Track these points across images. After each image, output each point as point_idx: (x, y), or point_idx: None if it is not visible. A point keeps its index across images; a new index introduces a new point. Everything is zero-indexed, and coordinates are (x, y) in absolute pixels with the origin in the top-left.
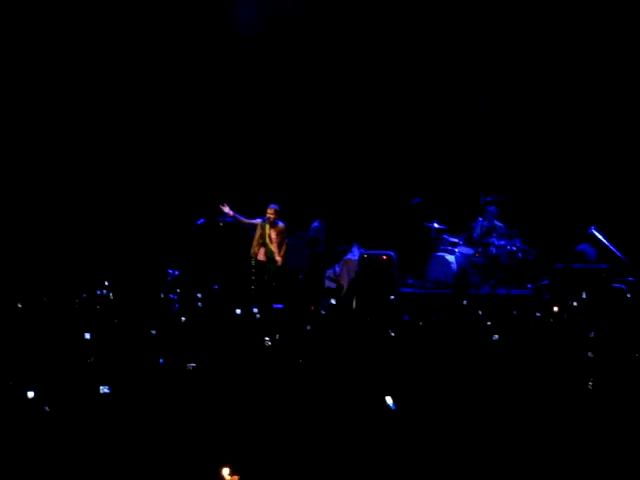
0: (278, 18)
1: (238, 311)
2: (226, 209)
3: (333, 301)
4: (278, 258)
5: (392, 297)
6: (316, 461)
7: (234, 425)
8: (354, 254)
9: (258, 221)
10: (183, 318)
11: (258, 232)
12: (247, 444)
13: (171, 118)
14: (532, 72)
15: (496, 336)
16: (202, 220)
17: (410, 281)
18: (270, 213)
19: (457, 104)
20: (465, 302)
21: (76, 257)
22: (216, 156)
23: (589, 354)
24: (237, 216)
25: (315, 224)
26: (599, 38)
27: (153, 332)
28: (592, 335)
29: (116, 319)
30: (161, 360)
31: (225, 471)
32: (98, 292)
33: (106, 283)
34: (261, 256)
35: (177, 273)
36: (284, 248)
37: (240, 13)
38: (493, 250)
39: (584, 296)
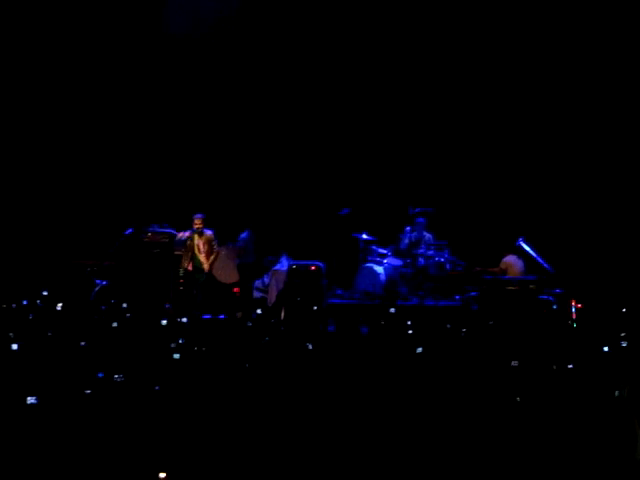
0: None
1: (164, 322)
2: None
3: (259, 311)
4: (206, 266)
5: (315, 308)
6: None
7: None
8: (283, 265)
9: (187, 234)
10: (114, 324)
11: (188, 243)
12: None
13: (99, 128)
14: (457, 82)
15: (420, 349)
16: (130, 230)
17: (339, 292)
18: (197, 223)
19: (386, 115)
20: (393, 311)
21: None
22: (145, 166)
23: (513, 363)
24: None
25: (244, 234)
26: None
27: (82, 343)
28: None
29: (43, 329)
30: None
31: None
32: (24, 302)
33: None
34: (189, 266)
35: (105, 283)
36: (214, 256)
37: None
38: (421, 261)
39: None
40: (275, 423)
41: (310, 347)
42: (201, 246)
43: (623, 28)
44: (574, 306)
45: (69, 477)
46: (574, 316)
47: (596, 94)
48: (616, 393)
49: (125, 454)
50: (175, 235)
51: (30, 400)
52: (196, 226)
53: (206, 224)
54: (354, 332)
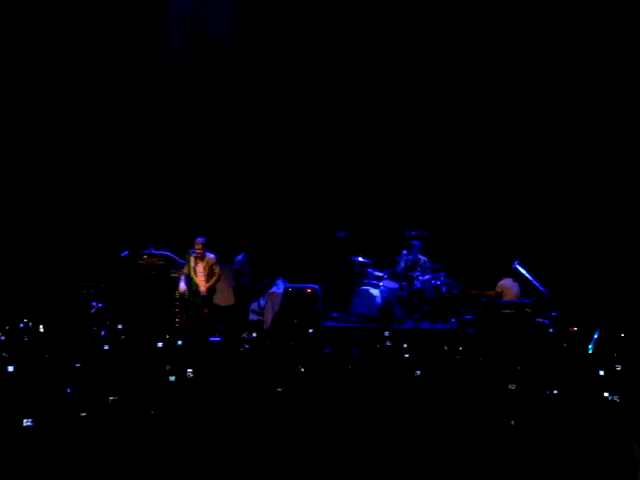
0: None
1: (160, 344)
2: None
3: (255, 334)
4: (202, 289)
5: (311, 330)
6: None
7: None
8: (279, 287)
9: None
10: (106, 347)
11: (186, 266)
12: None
13: (94, 148)
14: (452, 110)
15: (418, 372)
16: (126, 252)
17: (334, 314)
18: (198, 248)
19: (382, 138)
20: (387, 334)
21: None
22: (142, 188)
23: (510, 387)
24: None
25: (239, 257)
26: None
27: (77, 365)
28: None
29: (40, 352)
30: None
31: None
32: (21, 324)
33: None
34: (185, 289)
35: (101, 305)
36: (215, 278)
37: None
38: (417, 284)
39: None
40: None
41: (302, 370)
42: (199, 269)
43: (623, 27)
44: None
45: None
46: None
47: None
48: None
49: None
50: (171, 257)
51: (26, 422)
52: (197, 251)
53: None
54: (348, 354)
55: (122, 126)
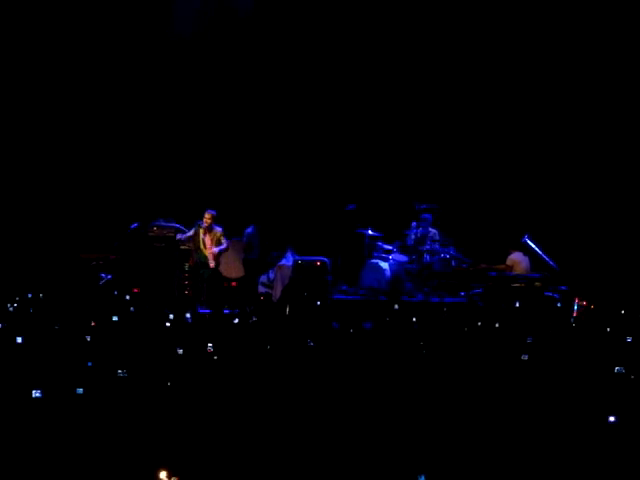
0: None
1: (171, 316)
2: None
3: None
4: (211, 263)
5: (319, 303)
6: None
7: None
8: (288, 260)
9: (189, 234)
10: (115, 318)
11: (194, 238)
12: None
13: (103, 122)
14: (463, 79)
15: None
16: (135, 224)
17: (344, 287)
18: (207, 218)
19: (392, 111)
20: (397, 307)
21: (8, 260)
22: (151, 160)
23: (523, 357)
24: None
25: (249, 230)
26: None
27: (87, 338)
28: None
29: (49, 323)
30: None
31: (162, 474)
32: (29, 295)
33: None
34: (194, 261)
35: (110, 277)
36: (223, 248)
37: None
38: (427, 258)
39: (517, 305)
40: (277, 420)
41: (312, 344)
42: (207, 242)
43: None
44: (577, 304)
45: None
46: (575, 314)
47: (602, 86)
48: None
49: (127, 450)
50: (181, 229)
51: (35, 394)
52: (206, 221)
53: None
54: (358, 328)
55: (132, 101)
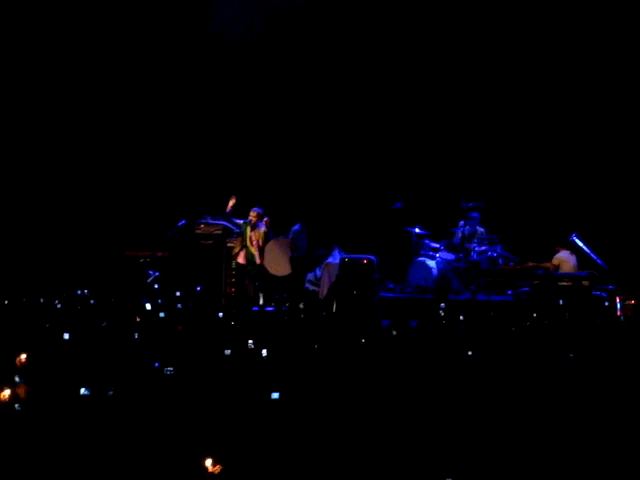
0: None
1: (220, 314)
2: (232, 202)
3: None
4: (258, 261)
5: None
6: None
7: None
8: (335, 258)
9: (241, 222)
10: (162, 314)
11: (239, 234)
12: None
13: (151, 120)
14: (513, 79)
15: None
16: (183, 222)
17: (391, 285)
18: (252, 216)
19: (440, 109)
20: (444, 306)
21: (56, 257)
22: (199, 158)
23: (570, 355)
24: (230, 214)
25: (296, 227)
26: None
27: (135, 335)
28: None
29: (97, 320)
30: (156, 364)
31: (208, 462)
32: (78, 292)
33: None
34: (241, 259)
35: (157, 274)
36: (263, 251)
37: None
38: (474, 256)
39: (561, 303)
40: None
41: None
42: (254, 239)
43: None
44: (620, 302)
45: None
46: (620, 313)
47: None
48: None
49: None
50: (229, 227)
51: (83, 391)
52: (251, 218)
53: (262, 218)
54: (405, 326)
55: (178, 96)
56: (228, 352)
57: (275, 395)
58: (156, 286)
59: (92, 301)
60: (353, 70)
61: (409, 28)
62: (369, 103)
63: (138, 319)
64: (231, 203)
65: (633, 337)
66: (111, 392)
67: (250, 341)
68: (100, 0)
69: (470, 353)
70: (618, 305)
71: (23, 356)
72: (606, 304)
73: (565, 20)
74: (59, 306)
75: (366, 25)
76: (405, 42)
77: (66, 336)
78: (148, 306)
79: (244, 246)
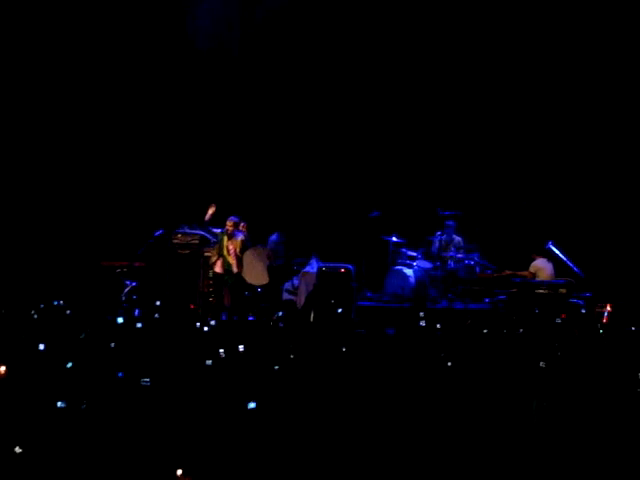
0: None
1: (197, 324)
2: (211, 210)
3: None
4: (235, 270)
5: (340, 310)
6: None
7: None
8: (312, 267)
9: (218, 232)
10: (139, 324)
11: (217, 243)
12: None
13: (128, 129)
14: (489, 89)
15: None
16: (160, 231)
17: (368, 294)
18: (229, 225)
19: (416, 118)
20: (422, 314)
21: (32, 268)
22: (176, 167)
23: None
24: (207, 223)
25: (273, 236)
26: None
27: (111, 345)
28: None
29: (73, 331)
30: (120, 374)
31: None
32: (55, 302)
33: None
34: (218, 268)
35: (134, 284)
36: (241, 260)
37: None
38: (451, 264)
39: (536, 311)
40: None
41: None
42: (231, 248)
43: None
44: (607, 311)
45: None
46: (605, 320)
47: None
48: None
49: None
50: (206, 237)
51: (59, 404)
52: (227, 228)
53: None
54: (381, 334)
55: (154, 105)
56: (209, 362)
57: (252, 405)
58: (134, 297)
59: (68, 312)
60: (329, 79)
61: (384, 42)
62: (346, 113)
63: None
64: (210, 211)
65: (611, 345)
66: (84, 405)
67: (221, 350)
68: (93, 4)
69: (449, 363)
70: (606, 313)
71: (2, 368)
72: (583, 311)
73: (546, 43)
74: (35, 317)
75: (341, 40)
76: (382, 53)
77: (41, 347)
78: (120, 320)
79: (221, 255)
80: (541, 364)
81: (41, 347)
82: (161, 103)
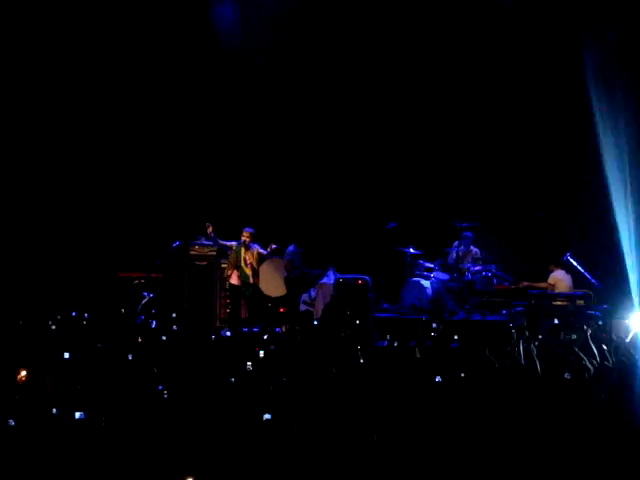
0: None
1: (213, 336)
2: (209, 229)
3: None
4: (252, 281)
5: (358, 322)
6: None
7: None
8: (329, 278)
9: (233, 244)
10: (163, 337)
11: (232, 255)
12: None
13: (145, 141)
14: (506, 97)
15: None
16: (178, 243)
17: (385, 306)
18: (245, 236)
19: (434, 130)
20: (435, 326)
21: (49, 279)
22: (193, 179)
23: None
24: (216, 238)
25: (290, 248)
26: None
27: (129, 356)
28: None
29: (92, 341)
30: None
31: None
32: (73, 314)
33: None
34: (235, 280)
35: (152, 296)
36: (257, 271)
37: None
38: (468, 276)
39: (555, 322)
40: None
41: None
42: (248, 260)
43: None
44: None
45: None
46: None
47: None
48: None
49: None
50: (223, 248)
51: (78, 415)
52: (244, 239)
53: (254, 238)
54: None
55: (175, 118)
56: (232, 380)
57: (267, 416)
58: (153, 310)
59: (85, 323)
60: (344, 87)
61: (396, 49)
62: (363, 123)
63: (140, 339)
64: (209, 230)
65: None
66: (103, 419)
67: (249, 363)
68: (99, 4)
69: (463, 375)
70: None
71: (23, 373)
72: (600, 323)
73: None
74: (53, 327)
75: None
76: (396, 60)
77: (66, 355)
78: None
79: (237, 267)
80: (566, 376)
81: (66, 356)
82: (181, 115)
